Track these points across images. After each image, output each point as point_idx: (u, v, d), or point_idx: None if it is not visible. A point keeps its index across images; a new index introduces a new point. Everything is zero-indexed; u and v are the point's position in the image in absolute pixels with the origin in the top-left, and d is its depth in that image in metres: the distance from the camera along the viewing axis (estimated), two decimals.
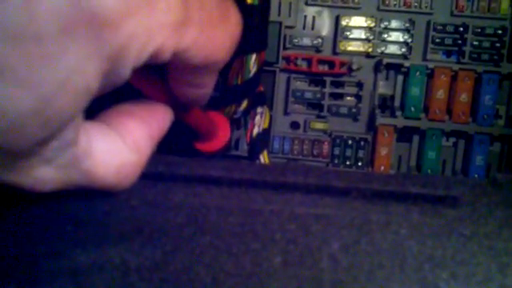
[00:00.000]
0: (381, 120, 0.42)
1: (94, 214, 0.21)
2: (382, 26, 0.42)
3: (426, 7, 0.41)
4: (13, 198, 0.21)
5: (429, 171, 0.42)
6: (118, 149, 0.21)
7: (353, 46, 0.42)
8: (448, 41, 0.41)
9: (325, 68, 0.43)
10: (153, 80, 0.24)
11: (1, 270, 0.18)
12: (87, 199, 0.22)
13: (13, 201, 0.21)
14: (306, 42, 0.43)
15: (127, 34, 0.17)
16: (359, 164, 0.43)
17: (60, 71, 0.15)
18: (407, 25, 0.42)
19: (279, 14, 0.42)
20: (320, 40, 0.42)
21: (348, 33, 0.42)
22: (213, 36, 0.21)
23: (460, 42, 0.41)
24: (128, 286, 0.17)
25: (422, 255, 0.21)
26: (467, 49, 0.41)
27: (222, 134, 0.33)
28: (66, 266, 0.18)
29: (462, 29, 0.41)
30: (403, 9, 0.42)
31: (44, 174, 0.18)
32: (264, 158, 0.34)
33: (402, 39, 0.42)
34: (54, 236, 0.20)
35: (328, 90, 0.43)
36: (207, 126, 0.31)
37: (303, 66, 0.42)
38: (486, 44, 0.41)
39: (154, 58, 0.19)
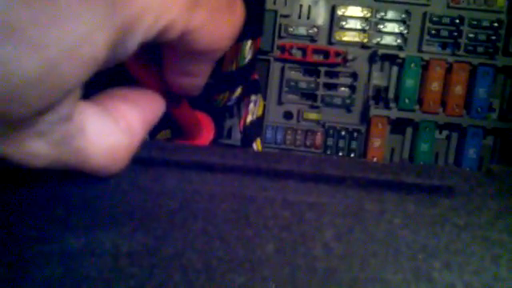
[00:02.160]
0: (374, 111, 0.42)
1: (85, 198, 0.21)
2: (378, 16, 0.42)
3: None
4: (3, 181, 0.21)
5: (421, 163, 0.42)
6: (110, 130, 0.21)
7: (348, 36, 0.42)
8: (444, 33, 0.41)
9: (320, 58, 0.42)
10: (148, 67, 0.24)
11: None
12: (78, 184, 0.21)
13: (3, 184, 0.21)
14: (302, 31, 0.42)
15: (141, 6, 0.17)
16: (352, 155, 0.43)
17: (70, 36, 0.15)
18: (403, 16, 0.41)
19: (275, 3, 0.42)
20: (315, 29, 0.42)
21: (344, 23, 0.42)
22: (219, 23, 0.22)
23: (456, 34, 0.41)
24: (119, 271, 0.17)
25: (415, 244, 0.20)
26: (463, 41, 0.41)
27: (206, 134, 0.33)
28: (56, 250, 0.18)
29: (458, 21, 0.41)
30: (400, 0, 0.41)
31: (35, 149, 0.18)
32: (257, 146, 0.34)
33: (397, 30, 0.42)
34: (44, 220, 0.19)
35: (322, 80, 0.43)
36: (193, 123, 0.31)
37: (298, 55, 0.42)
38: (482, 37, 0.41)
39: (162, 34, 0.19)
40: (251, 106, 0.35)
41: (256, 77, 0.36)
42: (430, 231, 0.21)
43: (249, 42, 0.32)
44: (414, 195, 0.23)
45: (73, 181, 0.21)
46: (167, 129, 0.32)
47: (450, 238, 0.21)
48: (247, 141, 0.34)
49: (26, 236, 0.19)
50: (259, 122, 0.35)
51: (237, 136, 0.41)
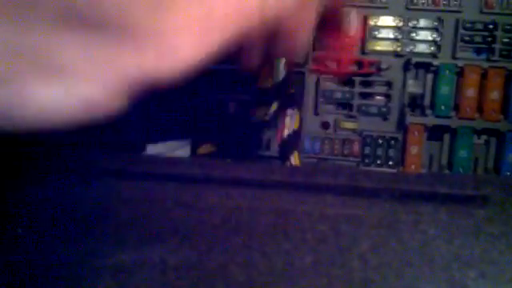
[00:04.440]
0: (411, 119, 0.42)
1: (132, 215, 0.22)
2: (411, 25, 0.42)
3: (455, 5, 0.41)
4: (57, 199, 0.23)
5: (460, 170, 0.42)
6: None
7: (381, 46, 0.43)
8: (477, 38, 0.41)
9: (354, 68, 0.43)
10: None
11: (49, 268, 0.19)
12: (126, 203, 0.23)
13: (58, 202, 0.23)
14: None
15: None
16: (390, 163, 0.43)
17: None
18: (435, 23, 0.42)
19: None
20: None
21: (376, 32, 0.42)
22: None
23: (490, 39, 0.41)
24: (167, 284, 0.18)
25: (450, 254, 0.21)
26: (497, 46, 0.41)
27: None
28: (108, 264, 0.19)
29: (491, 26, 0.41)
30: (431, 7, 0.42)
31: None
32: (295, 159, 0.35)
33: (430, 38, 0.42)
34: (97, 237, 0.21)
35: (357, 89, 0.43)
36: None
37: (332, 66, 0.43)
38: None
39: None
40: (287, 120, 0.36)
41: (292, 91, 0.37)
42: (464, 241, 0.22)
43: (283, 60, 0.33)
44: (449, 206, 0.24)
45: (121, 200, 0.23)
46: (210, 143, 0.34)
47: (485, 248, 0.21)
48: (285, 154, 0.35)
49: (80, 251, 0.21)
50: (296, 135, 0.36)
51: (275, 149, 0.42)
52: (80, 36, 0.14)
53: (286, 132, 0.35)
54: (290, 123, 0.36)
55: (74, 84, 0.14)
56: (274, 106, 0.35)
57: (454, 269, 0.20)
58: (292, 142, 0.36)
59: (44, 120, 0.14)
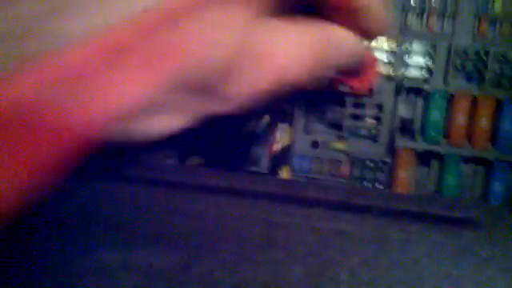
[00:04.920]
0: (400, 143, 0.42)
1: (122, 218, 0.22)
2: (403, 48, 0.42)
3: (448, 31, 0.42)
4: (47, 200, 0.22)
5: (448, 196, 0.42)
6: None
7: None
8: (469, 66, 0.42)
9: (346, 88, 0.43)
10: None
11: (36, 267, 0.19)
12: (113, 205, 0.22)
13: (46, 203, 0.22)
14: None
15: None
16: (378, 186, 0.43)
17: None
18: (428, 48, 0.42)
19: None
20: None
21: None
22: None
23: (481, 67, 0.41)
24: (151, 287, 0.18)
25: (439, 274, 0.21)
26: (488, 74, 0.41)
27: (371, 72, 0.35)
28: (94, 265, 0.19)
29: (483, 54, 0.41)
30: (425, 32, 0.42)
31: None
32: (284, 173, 0.35)
33: (423, 63, 0.42)
34: (85, 237, 0.21)
35: (348, 110, 0.43)
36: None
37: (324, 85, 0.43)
38: (508, 71, 0.41)
39: None
40: (278, 134, 0.36)
41: (283, 106, 0.37)
42: (453, 261, 0.21)
43: None
44: (438, 226, 0.24)
45: (109, 201, 0.22)
46: (198, 155, 0.33)
47: (473, 269, 0.21)
48: (274, 169, 0.35)
49: (68, 250, 0.20)
50: (286, 151, 0.36)
51: (264, 164, 0.41)
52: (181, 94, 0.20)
53: (276, 147, 0.35)
54: (280, 138, 0.35)
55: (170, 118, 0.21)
56: (266, 119, 0.35)
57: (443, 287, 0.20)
58: (282, 157, 0.35)
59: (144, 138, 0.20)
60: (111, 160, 0.27)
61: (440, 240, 0.23)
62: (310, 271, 0.20)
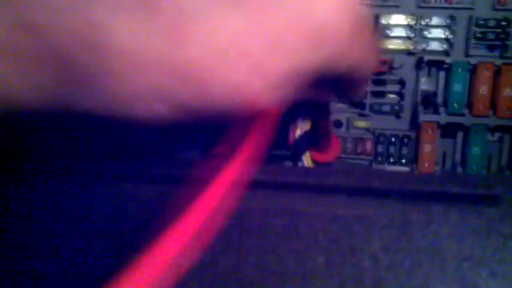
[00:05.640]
0: (424, 117, 0.42)
1: (149, 215, 0.23)
2: (423, 23, 0.42)
3: (467, 2, 0.41)
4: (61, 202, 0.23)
5: (474, 167, 0.42)
6: None
7: (393, 44, 0.43)
8: (490, 35, 0.41)
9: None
10: None
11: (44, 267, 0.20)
12: (141, 203, 0.23)
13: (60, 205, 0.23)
14: None
15: None
16: (403, 161, 0.44)
17: None
18: (448, 21, 0.42)
19: None
20: None
21: (388, 31, 0.42)
22: None
23: (503, 36, 0.41)
24: (180, 285, 0.19)
25: (461, 254, 0.21)
26: (510, 43, 0.41)
27: (335, 147, 0.38)
28: (114, 264, 0.20)
29: (504, 23, 0.41)
30: (443, 5, 0.42)
31: None
32: (307, 159, 0.35)
33: (443, 36, 0.42)
34: (101, 236, 0.22)
35: (370, 88, 0.43)
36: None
37: None
38: None
39: None
40: (299, 120, 0.36)
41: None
42: (475, 241, 0.22)
43: None
44: (460, 205, 0.24)
45: (133, 201, 0.23)
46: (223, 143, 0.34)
47: (496, 247, 0.21)
48: (296, 154, 0.35)
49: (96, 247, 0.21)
50: (308, 136, 0.36)
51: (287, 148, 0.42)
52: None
53: (298, 132, 0.36)
54: (302, 123, 0.36)
55: None
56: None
57: (465, 268, 0.20)
58: (304, 143, 0.36)
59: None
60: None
61: (461, 219, 0.23)
62: (333, 259, 0.20)
